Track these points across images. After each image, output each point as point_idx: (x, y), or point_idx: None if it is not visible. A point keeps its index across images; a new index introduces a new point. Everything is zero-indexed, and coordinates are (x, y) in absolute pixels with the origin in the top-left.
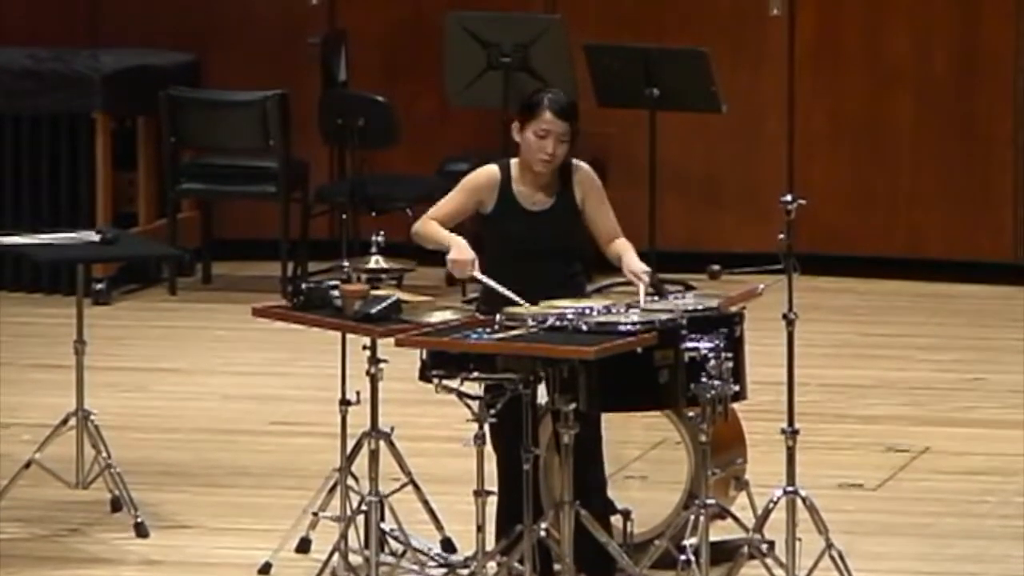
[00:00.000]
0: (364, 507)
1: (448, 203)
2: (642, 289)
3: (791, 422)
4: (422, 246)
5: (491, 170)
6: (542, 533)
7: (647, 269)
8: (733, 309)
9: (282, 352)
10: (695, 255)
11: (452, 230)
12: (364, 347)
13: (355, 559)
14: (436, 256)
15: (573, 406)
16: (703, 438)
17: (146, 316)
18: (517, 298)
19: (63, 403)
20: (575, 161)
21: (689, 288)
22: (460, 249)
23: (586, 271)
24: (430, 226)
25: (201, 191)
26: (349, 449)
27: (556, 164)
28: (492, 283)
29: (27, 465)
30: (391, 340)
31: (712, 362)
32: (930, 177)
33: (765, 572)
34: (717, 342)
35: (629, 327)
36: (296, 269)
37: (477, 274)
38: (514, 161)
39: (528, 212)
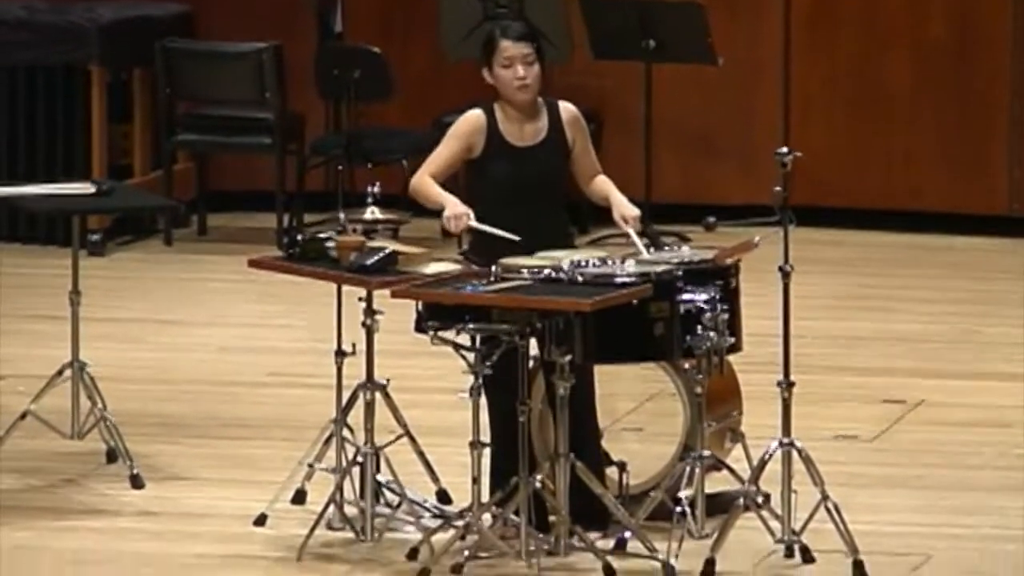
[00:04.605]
0: (359, 459)
1: (440, 155)
2: (632, 233)
3: (787, 374)
4: (417, 202)
5: (476, 114)
6: (537, 485)
7: (637, 213)
8: (729, 261)
9: (278, 304)
10: (691, 207)
11: (443, 187)
12: (360, 299)
13: (350, 511)
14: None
15: (569, 358)
16: (699, 390)
17: (142, 268)
18: (515, 237)
19: (58, 354)
20: (561, 102)
21: (685, 240)
22: (453, 205)
23: (571, 221)
24: (425, 184)
25: (197, 143)
26: (345, 401)
27: (535, 88)
28: (489, 228)
29: (23, 416)
30: (387, 292)
31: (708, 314)
32: (925, 132)
33: (760, 524)
34: (713, 294)
35: (625, 279)
36: (292, 221)
37: (473, 223)
38: (496, 104)
39: (517, 149)
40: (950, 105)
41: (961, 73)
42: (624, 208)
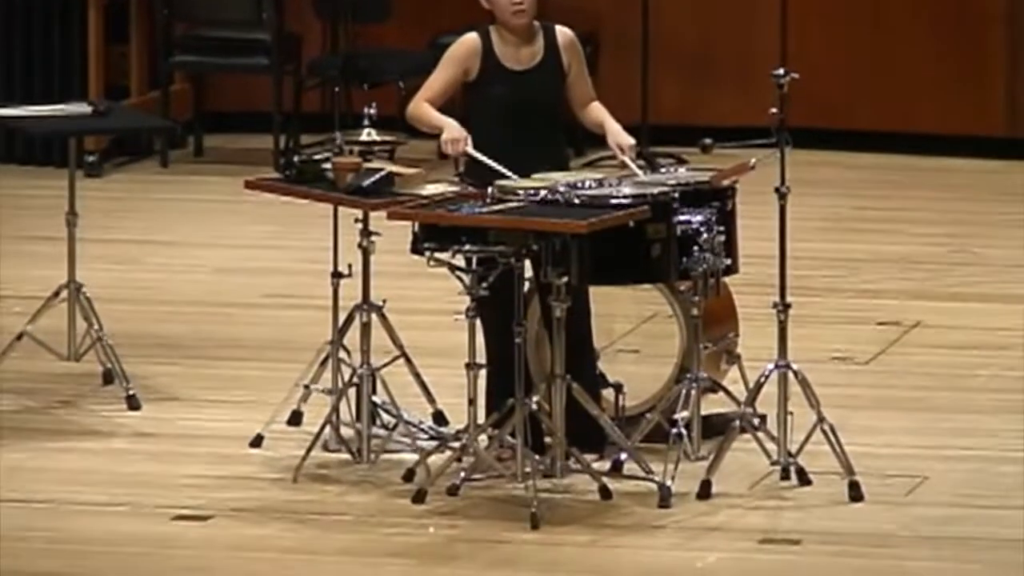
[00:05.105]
0: (356, 380)
1: (437, 79)
2: (629, 162)
3: (783, 296)
4: (415, 126)
5: (471, 37)
6: (533, 407)
7: (632, 142)
8: (725, 183)
9: (274, 225)
10: (687, 129)
11: (441, 111)
12: (356, 220)
13: (346, 432)
14: None
15: (565, 280)
16: (695, 312)
17: (138, 189)
18: (507, 171)
19: (55, 275)
20: (558, 26)
21: (681, 162)
22: (451, 129)
23: (566, 143)
24: (422, 108)
25: (193, 64)
26: (341, 322)
27: (531, 12)
28: (483, 158)
29: (19, 337)
30: (383, 213)
31: (704, 236)
32: (923, 54)
33: (757, 446)
34: (709, 216)
35: (621, 201)
36: (288, 142)
37: (470, 149)
38: (492, 27)
39: (513, 72)
40: (948, 27)
41: None
42: (620, 137)
